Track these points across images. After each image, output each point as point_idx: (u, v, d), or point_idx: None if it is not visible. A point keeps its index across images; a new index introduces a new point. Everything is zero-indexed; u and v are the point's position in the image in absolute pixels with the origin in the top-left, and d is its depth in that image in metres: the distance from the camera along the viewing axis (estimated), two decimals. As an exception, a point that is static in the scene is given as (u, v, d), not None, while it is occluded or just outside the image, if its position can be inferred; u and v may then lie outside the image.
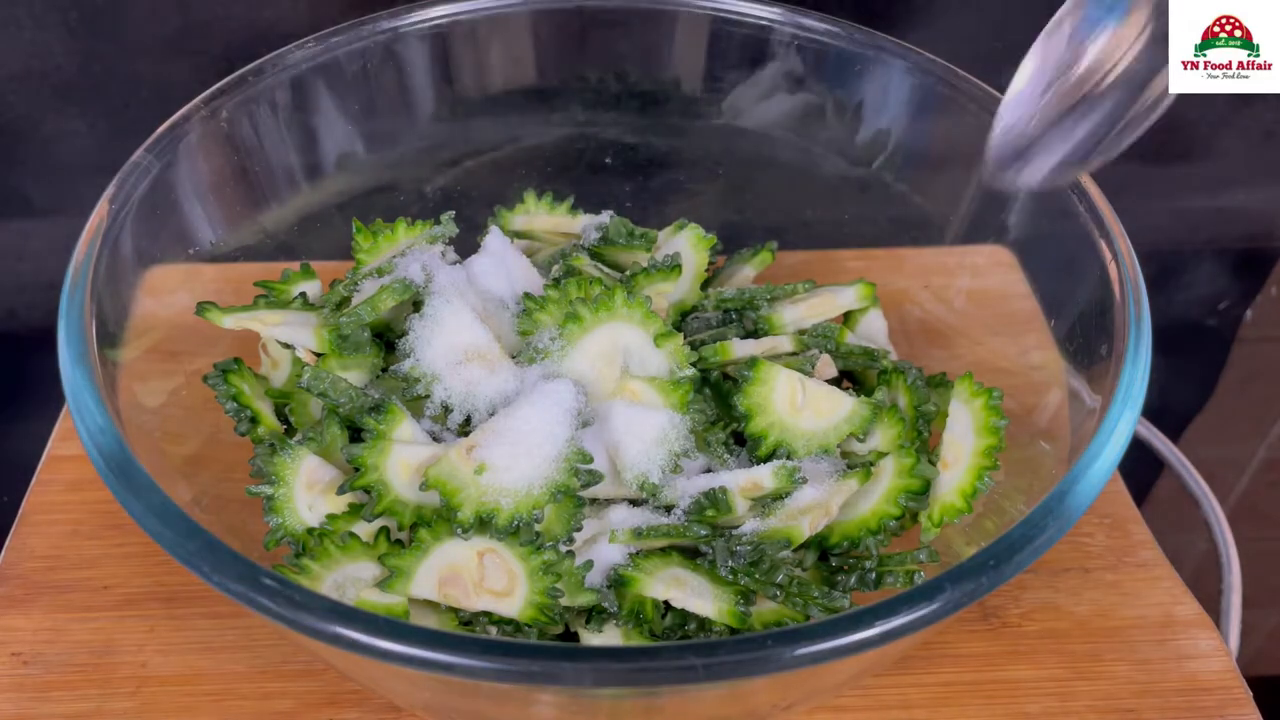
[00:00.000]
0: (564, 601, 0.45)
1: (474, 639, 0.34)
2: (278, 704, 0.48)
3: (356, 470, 0.46)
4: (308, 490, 0.47)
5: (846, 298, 0.57)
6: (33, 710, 0.47)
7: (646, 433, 0.47)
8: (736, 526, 0.47)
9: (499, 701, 0.41)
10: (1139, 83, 0.36)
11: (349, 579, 0.45)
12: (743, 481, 0.47)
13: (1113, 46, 0.37)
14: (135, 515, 0.37)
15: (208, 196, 0.54)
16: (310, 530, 0.46)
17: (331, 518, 0.46)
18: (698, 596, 0.45)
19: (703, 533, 0.46)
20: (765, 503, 0.48)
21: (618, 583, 0.46)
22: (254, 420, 0.51)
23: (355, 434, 0.49)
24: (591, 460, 0.46)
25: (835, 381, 0.55)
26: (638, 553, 0.46)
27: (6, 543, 0.54)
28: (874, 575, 0.47)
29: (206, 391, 0.51)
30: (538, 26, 0.61)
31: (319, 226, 0.59)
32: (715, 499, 0.47)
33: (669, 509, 0.48)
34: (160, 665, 0.49)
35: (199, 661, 0.49)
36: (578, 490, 0.45)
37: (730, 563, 0.46)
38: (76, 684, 0.48)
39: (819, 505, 0.47)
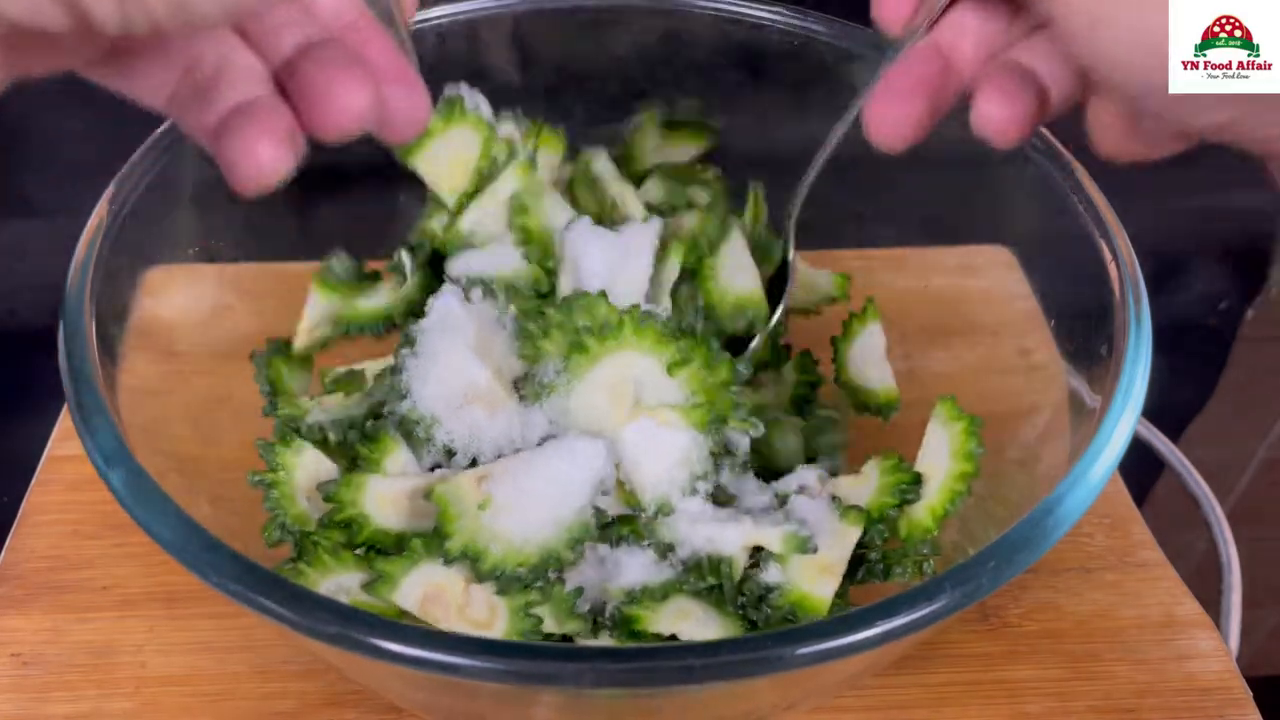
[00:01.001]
0: (552, 628, 0.44)
1: (474, 640, 0.34)
2: (278, 704, 0.48)
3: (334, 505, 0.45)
4: (306, 483, 0.47)
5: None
6: (33, 710, 0.47)
7: (669, 454, 0.46)
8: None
9: (499, 702, 0.41)
10: None
11: (342, 589, 0.44)
12: (749, 538, 0.46)
13: None
14: (135, 516, 0.37)
15: (208, 196, 0.53)
16: (306, 534, 0.46)
17: (327, 523, 0.46)
18: (704, 627, 0.44)
19: (702, 586, 0.45)
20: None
21: (623, 622, 0.44)
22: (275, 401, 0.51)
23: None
24: (594, 535, 0.45)
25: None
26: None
27: (6, 543, 0.54)
28: (882, 566, 0.47)
29: (207, 391, 0.51)
30: (537, 26, 0.60)
31: (319, 226, 0.59)
32: (717, 567, 0.45)
33: (666, 550, 0.46)
34: (160, 665, 0.49)
35: (199, 661, 0.49)
36: (570, 562, 0.44)
37: (743, 601, 0.45)
38: (76, 684, 0.48)
39: (835, 566, 0.46)
